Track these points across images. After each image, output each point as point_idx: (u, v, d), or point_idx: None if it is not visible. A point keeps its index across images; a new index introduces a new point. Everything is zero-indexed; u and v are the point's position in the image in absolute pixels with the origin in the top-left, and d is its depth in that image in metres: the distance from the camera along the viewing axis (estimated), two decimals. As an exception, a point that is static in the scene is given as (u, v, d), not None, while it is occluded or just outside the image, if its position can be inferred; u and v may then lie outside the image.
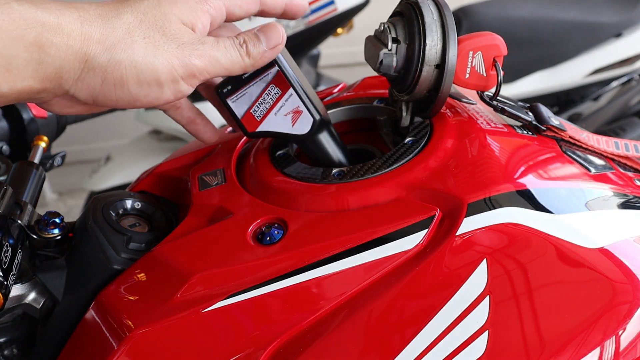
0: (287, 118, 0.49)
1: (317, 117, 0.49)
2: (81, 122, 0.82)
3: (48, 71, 0.38)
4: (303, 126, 0.49)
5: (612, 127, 1.67)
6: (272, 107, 0.48)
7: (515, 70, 1.68)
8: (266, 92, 0.48)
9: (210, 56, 0.42)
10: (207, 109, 0.55)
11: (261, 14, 0.48)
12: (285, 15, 0.49)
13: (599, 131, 1.42)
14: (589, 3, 1.71)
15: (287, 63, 0.47)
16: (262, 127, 0.49)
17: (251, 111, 0.49)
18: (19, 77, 0.38)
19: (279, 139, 0.53)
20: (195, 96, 0.53)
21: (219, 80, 0.50)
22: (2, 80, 0.37)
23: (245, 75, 0.48)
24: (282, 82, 0.48)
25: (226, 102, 0.49)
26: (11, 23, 0.37)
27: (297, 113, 0.49)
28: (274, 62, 0.47)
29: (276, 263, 0.42)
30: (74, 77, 0.39)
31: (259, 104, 0.48)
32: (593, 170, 0.51)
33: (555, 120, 0.52)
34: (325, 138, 0.50)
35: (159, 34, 0.40)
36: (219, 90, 0.49)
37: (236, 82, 0.48)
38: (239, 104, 0.49)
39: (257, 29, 0.45)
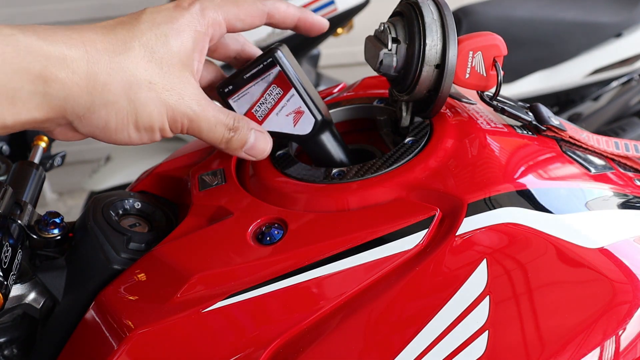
0: (289, 118, 0.49)
1: (319, 117, 0.49)
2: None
3: (53, 103, 0.38)
4: (305, 126, 0.49)
5: (612, 127, 1.67)
6: (273, 107, 0.48)
7: (515, 70, 1.68)
8: (267, 92, 0.48)
9: (198, 122, 0.43)
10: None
11: (269, 25, 0.48)
12: (297, 29, 0.49)
13: (599, 131, 1.42)
14: (589, 3, 1.71)
15: (289, 62, 0.47)
16: (264, 127, 0.49)
17: (252, 111, 0.48)
18: (24, 109, 0.38)
19: (279, 139, 0.53)
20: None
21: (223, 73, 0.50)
22: (6, 113, 0.37)
23: (247, 75, 0.48)
24: (284, 82, 0.47)
25: (227, 102, 0.49)
26: (16, 55, 0.36)
27: (298, 113, 0.48)
28: (275, 62, 0.47)
29: (276, 263, 0.42)
30: (78, 113, 0.39)
31: (260, 104, 0.48)
32: (593, 170, 0.51)
33: (555, 120, 0.52)
34: (327, 138, 0.50)
35: (165, 80, 0.41)
36: (220, 90, 0.48)
37: (237, 82, 0.48)
38: (240, 104, 0.49)
39: (257, 128, 0.46)
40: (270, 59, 0.47)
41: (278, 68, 0.47)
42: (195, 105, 0.42)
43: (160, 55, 0.41)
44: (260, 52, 0.50)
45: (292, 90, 0.48)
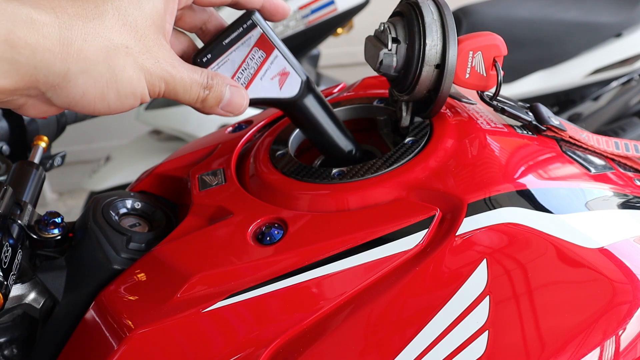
0: (274, 82, 0.47)
1: (304, 77, 0.47)
2: (81, 122, 0.82)
3: (23, 71, 0.35)
4: (292, 88, 0.47)
5: (612, 127, 1.67)
6: (257, 72, 0.46)
7: (515, 70, 1.68)
8: (249, 56, 0.45)
9: (174, 85, 0.41)
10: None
11: (235, 5, 0.46)
12: (263, 12, 0.47)
13: (599, 131, 1.42)
14: (589, 3, 1.71)
15: (267, 24, 0.45)
16: (249, 95, 0.46)
17: (234, 79, 0.46)
18: None
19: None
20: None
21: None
22: None
23: (226, 41, 0.45)
24: (266, 44, 0.45)
25: None
26: None
27: (284, 75, 0.47)
28: (255, 24, 0.45)
29: (276, 263, 0.42)
30: (52, 83, 0.37)
31: (242, 70, 0.45)
32: (593, 170, 0.51)
33: (555, 120, 0.52)
34: (313, 100, 0.48)
35: (140, 44, 0.39)
36: (198, 60, 0.45)
37: (216, 49, 0.45)
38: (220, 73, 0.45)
39: (232, 83, 0.44)
40: (250, 21, 0.45)
41: (259, 30, 0.45)
42: (170, 68, 0.41)
43: (133, 18, 0.39)
44: (227, 23, 0.47)
45: (276, 51, 0.46)
